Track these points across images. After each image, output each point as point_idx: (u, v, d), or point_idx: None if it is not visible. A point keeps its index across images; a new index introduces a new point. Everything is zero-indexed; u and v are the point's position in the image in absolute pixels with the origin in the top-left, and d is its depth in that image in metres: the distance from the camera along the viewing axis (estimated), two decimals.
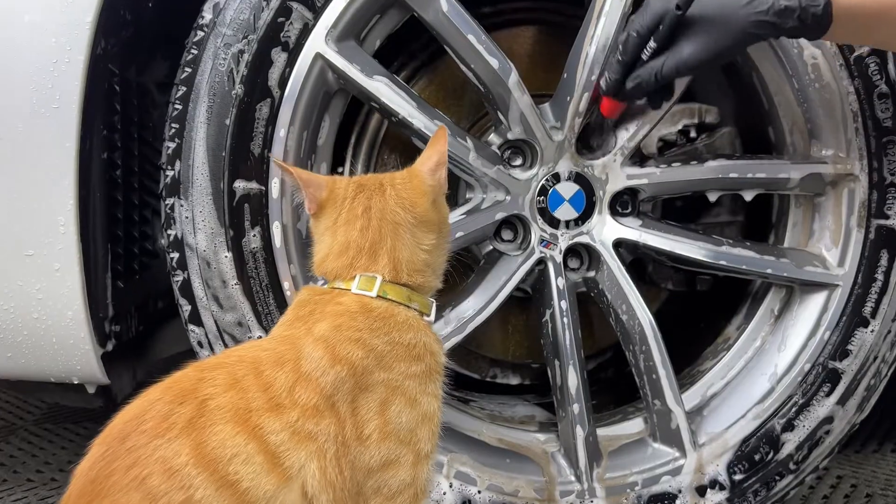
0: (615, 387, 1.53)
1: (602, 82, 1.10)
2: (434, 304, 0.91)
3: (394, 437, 0.82)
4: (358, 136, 1.37)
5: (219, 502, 0.72)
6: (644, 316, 1.20)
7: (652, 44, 1.01)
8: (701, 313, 1.46)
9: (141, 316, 1.39)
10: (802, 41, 1.18)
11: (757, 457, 1.22)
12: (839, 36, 1.00)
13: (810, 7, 0.93)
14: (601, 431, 1.25)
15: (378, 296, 0.86)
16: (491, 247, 1.24)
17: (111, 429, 0.76)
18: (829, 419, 1.22)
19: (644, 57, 1.03)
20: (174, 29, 1.18)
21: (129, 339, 1.33)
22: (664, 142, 1.36)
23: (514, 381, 1.50)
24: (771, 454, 1.22)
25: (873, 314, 1.21)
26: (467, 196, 1.22)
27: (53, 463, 1.67)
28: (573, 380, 1.18)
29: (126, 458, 0.72)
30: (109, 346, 1.23)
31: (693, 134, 1.36)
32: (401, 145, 1.36)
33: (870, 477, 1.66)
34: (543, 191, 1.20)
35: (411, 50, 1.39)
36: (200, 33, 1.06)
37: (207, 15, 1.06)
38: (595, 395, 1.49)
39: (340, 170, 1.35)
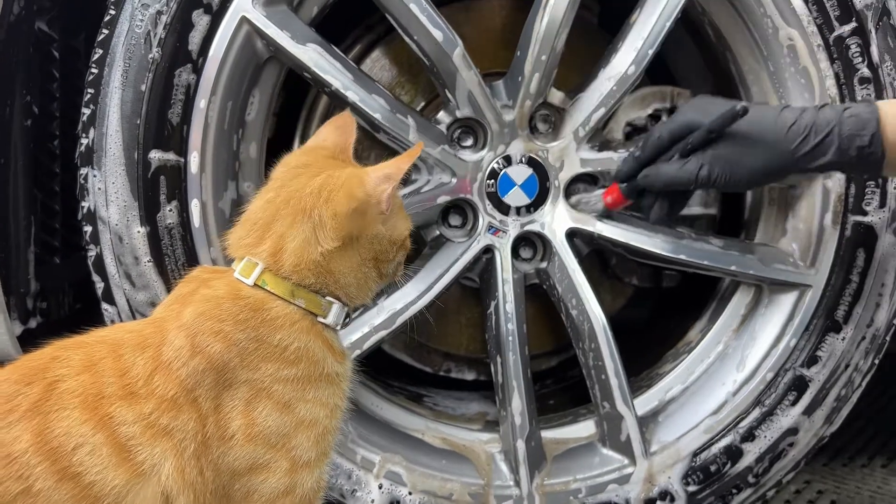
0: (580, 385, 1.44)
1: (615, 170, 1.05)
2: (334, 305, 0.80)
3: (261, 441, 0.74)
4: (308, 111, 1.30)
5: (59, 495, 0.67)
6: (594, 312, 1.11)
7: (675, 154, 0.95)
8: (670, 312, 1.37)
9: (78, 293, 1.34)
10: (777, 20, 1.08)
11: (713, 468, 1.13)
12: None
13: (855, 140, 0.87)
14: (548, 433, 1.17)
15: (255, 284, 0.77)
16: (437, 232, 1.16)
17: None
18: (793, 430, 1.13)
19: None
20: None
21: (60, 317, 1.27)
22: (633, 127, 1.27)
23: (469, 376, 1.42)
24: (728, 465, 1.13)
25: (846, 319, 1.12)
26: (413, 177, 1.15)
27: None
28: (515, 377, 1.10)
29: None
30: (33, 324, 1.18)
31: (664, 118, 1.27)
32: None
33: (853, 492, 1.56)
34: (494, 174, 1.12)
35: (369, 23, 1.32)
36: None
37: None
38: (557, 393, 1.42)
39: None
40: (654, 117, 1.27)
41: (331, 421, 0.79)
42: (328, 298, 0.80)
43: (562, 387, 1.45)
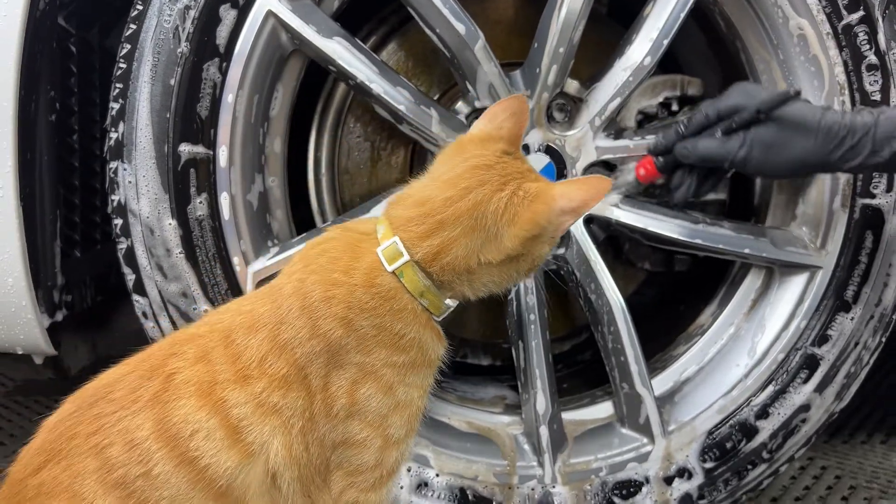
0: (590, 369, 1.48)
1: (652, 142, 1.06)
2: (449, 309, 0.81)
3: (360, 418, 0.77)
4: (324, 106, 1.32)
5: (177, 479, 0.70)
6: (613, 296, 1.14)
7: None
8: (681, 295, 1.41)
9: (99, 286, 1.35)
10: (788, 9, 1.11)
11: (728, 445, 1.17)
12: None
13: (890, 142, 0.90)
14: (568, 415, 1.20)
15: (394, 272, 0.77)
16: None
17: (84, 390, 0.76)
18: (805, 407, 1.17)
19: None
20: None
21: (84, 309, 1.29)
22: (644, 115, 1.30)
23: (485, 361, 1.45)
24: (743, 442, 1.17)
25: (855, 299, 1.15)
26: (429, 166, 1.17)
27: (18, 435, 1.64)
28: (537, 361, 1.13)
29: (90, 424, 0.72)
30: (59, 317, 1.19)
31: (675, 107, 1.30)
32: (367, 114, 1.30)
33: (855, 468, 1.61)
34: None
35: (382, 15, 1.33)
36: None
37: None
38: (569, 377, 1.45)
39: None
40: (665, 105, 1.30)
41: (422, 401, 0.82)
42: (448, 302, 0.81)
43: (574, 370, 1.48)
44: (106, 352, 1.44)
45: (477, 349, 1.44)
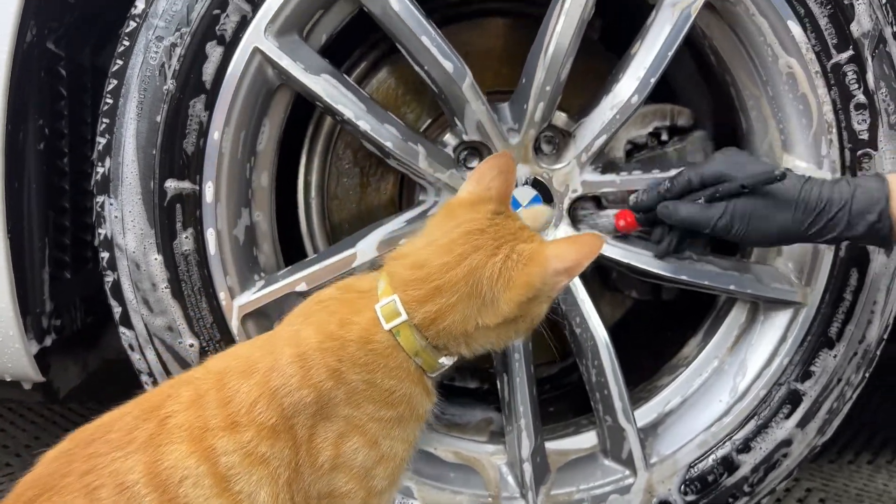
0: (578, 392, 1.49)
1: (634, 199, 1.08)
2: (443, 368, 0.82)
3: (345, 471, 0.78)
4: (314, 131, 1.32)
5: None
6: (597, 331, 1.15)
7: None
8: (668, 322, 1.41)
9: (89, 307, 1.36)
10: (777, 48, 1.11)
11: (710, 478, 1.18)
12: None
13: (865, 216, 0.92)
14: (552, 445, 1.21)
15: (390, 330, 0.79)
16: None
17: (84, 429, 0.77)
18: (787, 442, 1.18)
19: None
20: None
21: (73, 332, 1.30)
22: (633, 144, 1.30)
23: (473, 384, 1.46)
24: (725, 476, 1.18)
25: (839, 336, 1.16)
26: (420, 198, 1.17)
27: (11, 446, 1.66)
28: (521, 396, 1.13)
29: (84, 463, 0.73)
30: (48, 342, 1.20)
31: (664, 137, 1.30)
32: (357, 141, 1.30)
33: (840, 490, 1.62)
34: None
35: (372, 40, 1.33)
36: (133, 23, 1.01)
37: (140, 4, 1.01)
38: (556, 399, 1.46)
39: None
40: (655, 135, 1.30)
41: (407, 454, 0.83)
42: (442, 360, 0.82)
43: (561, 393, 1.50)
44: (97, 369, 1.46)
45: (465, 373, 1.45)
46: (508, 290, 0.78)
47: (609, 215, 1.11)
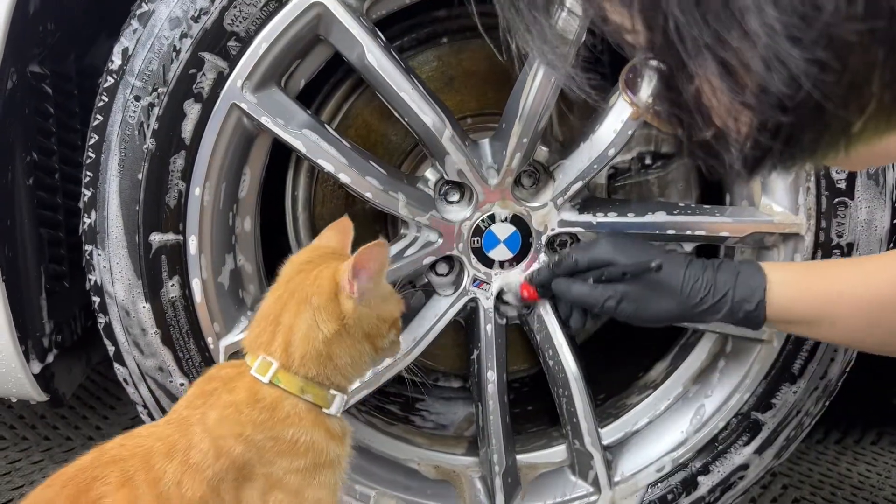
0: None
1: (529, 274, 1.13)
2: (336, 397, 0.90)
3: None
4: (297, 163, 1.33)
5: None
6: (569, 365, 1.20)
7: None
8: (642, 342, 1.46)
9: (89, 312, 1.42)
10: None
11: (669, 497, 1.26)
12: (780, 328, 1.07)
13: (745, 304, 0.96)
14: (524, 457, 1.29)
15: (271, 382, 0.87)
16: (426, 280, 1.23)
17: None
18: (744, 466, 1.25)
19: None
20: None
21: (74, 340, 1.36)
22: (616, 169, 1.31)
23: (456, 384, 1.53)
24: (683, 496, 1.26)
25: (801, 372, 1.21)
26: (402, 232, 1.20)
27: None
28: (494, 424, 1.20)
29: None
30: (50, 358, 1.27)
31: (648, 161, 1.30)
32: None
33: (805, 474, 1.71)
34: (479, 231, 1.17)
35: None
36: (111, 79, 1.01)
37: (117, 60, 1.01)
38: (533, 398, 1.53)
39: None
40: (639, 159, 1.31)
41: (332, 496, 0.91)
42: (332, 392, 0.90)
43: (541, 390, 1.56)
44: (101, 359, 1.53)
45: (448, 375, 1.52)
46: (321, 288, 0.87)
47: (517, 285, 1.16)
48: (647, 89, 0.60)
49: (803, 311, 0.97)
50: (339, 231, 0.98)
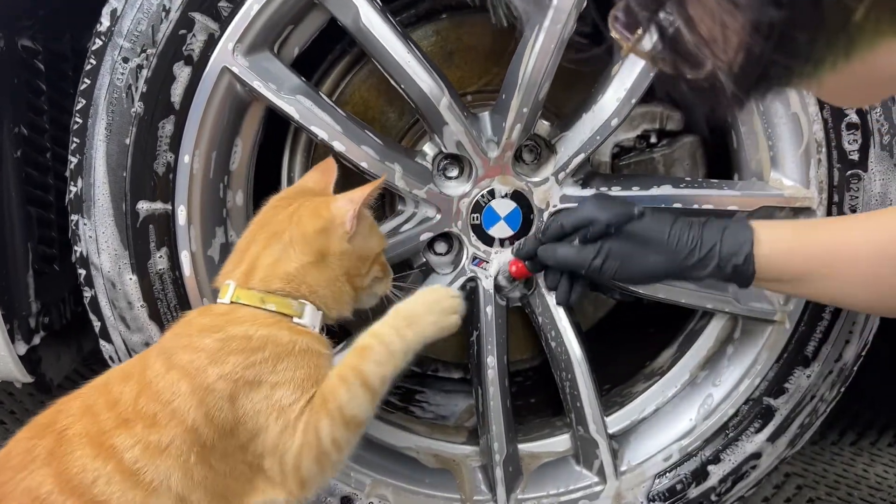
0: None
1: (516, 247, 1.09)
2: (307, 307, 0.88)
3: (251, 417, 0.83)
4: (296, 130, 1.30)
5: None
6: (572, 346, 1.15)
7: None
8: (648, 329, 1.42)
9: (79, 296, 1.38)
10: None
11: (679, 487, 1.20)
12: (769, 287, 1.01)
13: (732, 258, 0.93)
14: (526, 447, 1.23)
15: (231, 302, 0.86)
16: (424, 259, 1.19)
17: None
18: (756, 455, 1.20)
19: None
20: None
21: (62, 324, 1.33)
22: (621, 147, 1.27)
23: (456, 375, 1.49)
24: (693, 485, 1.20)
25: (815, 355, 1.16)
26: (399, 208, 1.16)
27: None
28: (495, 409, 1.15)
29: None
30: (37, 340, 1.23)
31: (653, 139, 1.27)
32: None
33: (819, 475, 1.65)
34: (478, 207, 1.14)
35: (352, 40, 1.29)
36: (98, 41, 0.99)
37: (105, 21, 0.98)
38: (537, 389, 1.48)
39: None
40: (644, 138, 1.27)
41: (310, 372, 0.86)
42: (301, 301, 0.88)
43: (544, 381, 1.52)
44: (92, 348, 1.49)
45: (449, 365, 1.47)
46: (299, 224, 0.88)
47: (507, 264, 1.11)
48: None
49: (795, 266, 0.93)
50: (322, 171, 0.97)
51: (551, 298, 1.16)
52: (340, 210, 0.88)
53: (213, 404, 0.81)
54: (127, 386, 0.82)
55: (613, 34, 0.63)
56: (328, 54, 1.29)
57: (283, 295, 0.87)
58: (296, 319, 0.87)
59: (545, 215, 1.14)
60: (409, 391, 1.43)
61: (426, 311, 0.91)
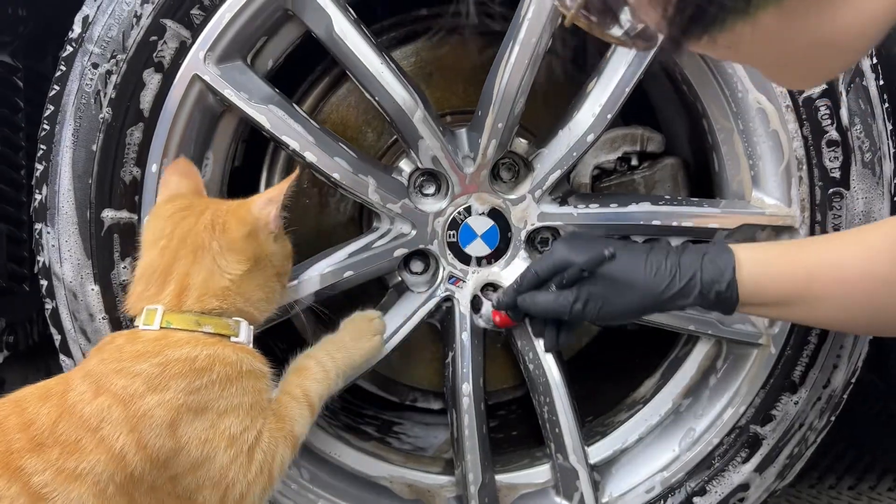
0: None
1: (495, 299, 1.06)
2: (242, 324, 0.85)
3: (194, 450, 0.79)
4: (274, 149, 1.29)
5: None
6: (551, 370, 1.12)
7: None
8: (631, 356, 1.38)
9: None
10: (747, 82, 1.05)
11: None
12: (755, 312, 0.99)
13: (714, 285, 0.90)
14: (504, 477, 1.18)
15: (161, 327, 0.82)
16: (399, 278, 1.16)
17: None
18: (744, 486, 1.14)
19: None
20: None
21: (29, 346, 1.29)
22: (601, 170, 1.25)
23: (436, 405, 1.44)
24: None
25: (802, 380, 1.12)
26: (374, 225, 1.14)
27: None
28: (470, 434, 1.11)
29: None
30: (0, 359, 1.20)
31: (634, 161, 1.25)
32: None
33: None
34: (455, 224, 1.11)
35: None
36: (69, 48, 0.98)
37: (77, 28, 0.98)
38: (519, 422, 1.43)
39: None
40: (625, 160, 1.25)
41: (252, 400, 0.83)
42: (235, 319, 0.85)
43: (527, 414, 1.47)
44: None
45: (428, 395, 1.43)
46: (226, 232, 0.84)
47: (489, 310, 1.08)
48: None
49: (780, 290, 0.90)
50: (184, 174, 0.94)
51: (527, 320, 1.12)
52: (263, 212, 0.86)
53: (148, 432, 0.77)
54: (44, 407, 0.78)
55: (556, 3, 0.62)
56: (308, 75, 1.29)
57: (218, 314, 0.84)
58: (233, 338, 0.84)
59: (523, 234, 1.12)
60: (386, 422, 1.38)
61: (350, 337, 0.96)
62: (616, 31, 0.61)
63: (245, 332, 0.85)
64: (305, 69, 1.27)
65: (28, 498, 0.73)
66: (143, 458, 0.77)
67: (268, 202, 0.86)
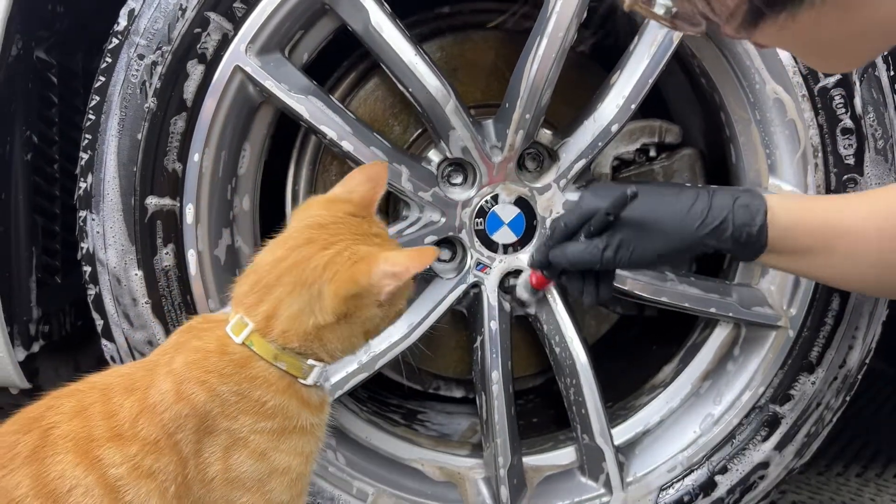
0: (562, 402, 1.49)
1: (529, 258, 1.07)
2: (315, 369, 0.82)
3: (237, 484, 0.79)
4: (303, 139, 1.32)
5: None
6: (577, 352, 1.15)
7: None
8: (651, 341, 1.41)
9: (80, 310, 1.37)
10: (765, 74, 1.10)
11: (686, 498, 1.18)
12: (773, 262, 0.99)
13: (745, 228, 0.92)
14: (530, 460, 1.21)
15: (243, 343, 0.80)
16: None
17: None
18: (764, 464, 1.18)
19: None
20: None
21: (62, 336, 1.32)
22: (621, 160, 1.29)
23: (458, 393, 1.47)
24: (700, 496, 1.18)
25: (819, 360, 1.16)
26: (403, 213, 1.18)
27: None
28: (499, 416, 1.14)
29: None
30: (35, 348, 1.22)
31: (652, 153, 1.29)
32: None
33: (826, 503, 1.62)
34: (482, 212, 1.15)
35: (362, 50, 1.32)
36: (115, 41, 1.01)
37: (122, 21, 1.01)
38: (539, 410, 1.46)
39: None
40: (643, 151, 1.29)
41: (304, 467, 0.84)
42: (310, 362, 0.82)
43: (546, 402, 1.50)
44: (90, 367, 1.47)
45: (450, 383, 1.46)
46: (332, 283, 0.78)
47: (527, 276, 1.11)
48: None
49: (805, 237, 0.92)
50: (370, 179, 0.86)
51: (556, 306, 1.16)
52: (381, 283, 0.77)
53: (209, 450, 0.79)
54: (128, 400, 0.78)
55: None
56: (334, 71, 1.32)
57: (296, 353, 0.81)
58: (300, 380, 0.82)
59: (548, 222, 1.16)
60: (410, 411, 1.41)
61: None
62: (659, 10, 0.64)
63: (314, 377, 0.83)
64: (334, 64, 1.30)
65: (102, 489, 0.74)
66: (198, 470, 0.79)
67: (391, 276, 0.77)
